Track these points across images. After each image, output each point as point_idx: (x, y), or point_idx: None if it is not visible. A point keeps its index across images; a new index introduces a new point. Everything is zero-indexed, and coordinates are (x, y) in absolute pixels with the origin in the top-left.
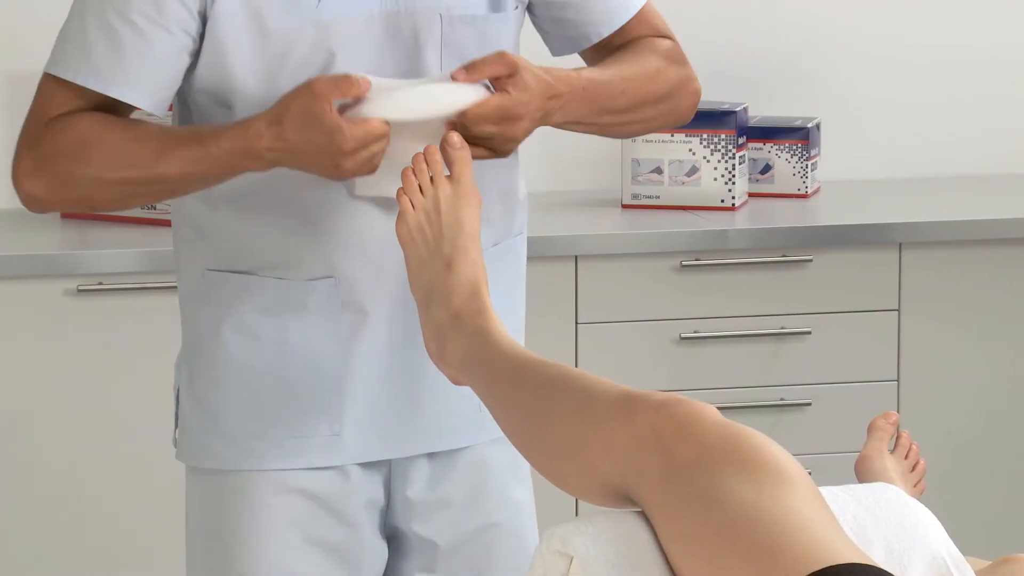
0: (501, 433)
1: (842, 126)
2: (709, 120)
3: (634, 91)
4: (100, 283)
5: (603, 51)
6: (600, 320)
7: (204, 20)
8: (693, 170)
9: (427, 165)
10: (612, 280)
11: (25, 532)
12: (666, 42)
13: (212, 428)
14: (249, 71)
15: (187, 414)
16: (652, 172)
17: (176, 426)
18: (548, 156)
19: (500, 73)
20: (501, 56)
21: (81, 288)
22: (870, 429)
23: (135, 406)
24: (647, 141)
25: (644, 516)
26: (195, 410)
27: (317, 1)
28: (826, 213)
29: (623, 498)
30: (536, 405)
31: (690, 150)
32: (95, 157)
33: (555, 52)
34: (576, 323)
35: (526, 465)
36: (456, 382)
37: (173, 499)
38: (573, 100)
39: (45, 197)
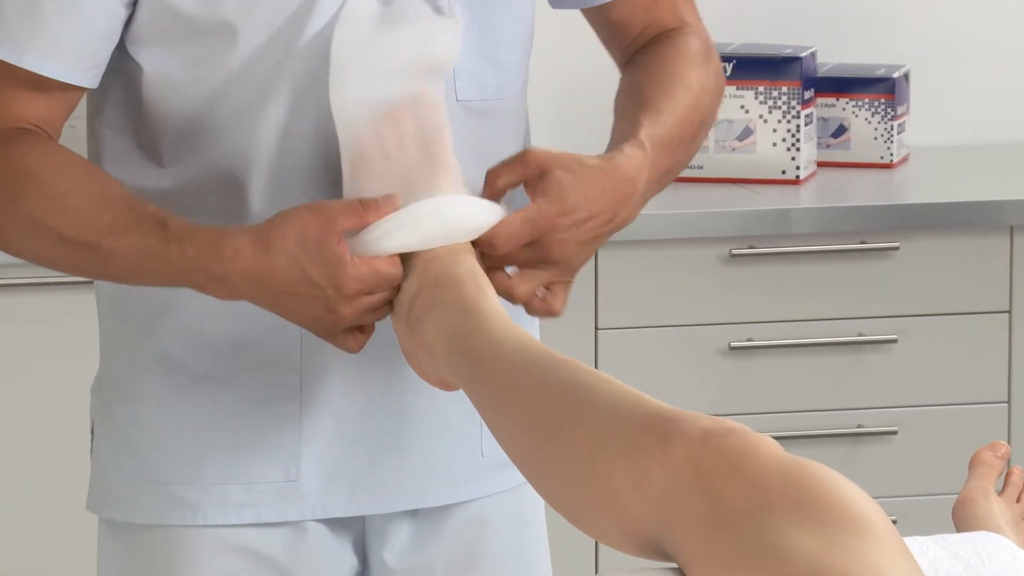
0: (508, 485)
1: (937, 77)
2: (767, 68)
3: (689, 133)
4: None
5: (608, 17)
6: (626, 325)
7: None
8: (746, 132)
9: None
10: (641, 274)
11: None
12: (694, 41)
13: (136, 473)
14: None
15: (103, 455)
16: None
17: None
18: (557, 116)
19: (527, 176)
20: (523, 157)
21: None
22: (973, 464)
23: (38, 414)
24: None
25: (681, 574)
26: (114, 449)
27: None
28: (916, 188)
29: (654, 548)
30: (544, 418)
31: (742, 107)
32: (34, 201)
33: (556, 4)
34: (595, 329)
35: (540, 517)
36: (444, 386)
37: (82, 511)
38: (649, 175)
39: None
